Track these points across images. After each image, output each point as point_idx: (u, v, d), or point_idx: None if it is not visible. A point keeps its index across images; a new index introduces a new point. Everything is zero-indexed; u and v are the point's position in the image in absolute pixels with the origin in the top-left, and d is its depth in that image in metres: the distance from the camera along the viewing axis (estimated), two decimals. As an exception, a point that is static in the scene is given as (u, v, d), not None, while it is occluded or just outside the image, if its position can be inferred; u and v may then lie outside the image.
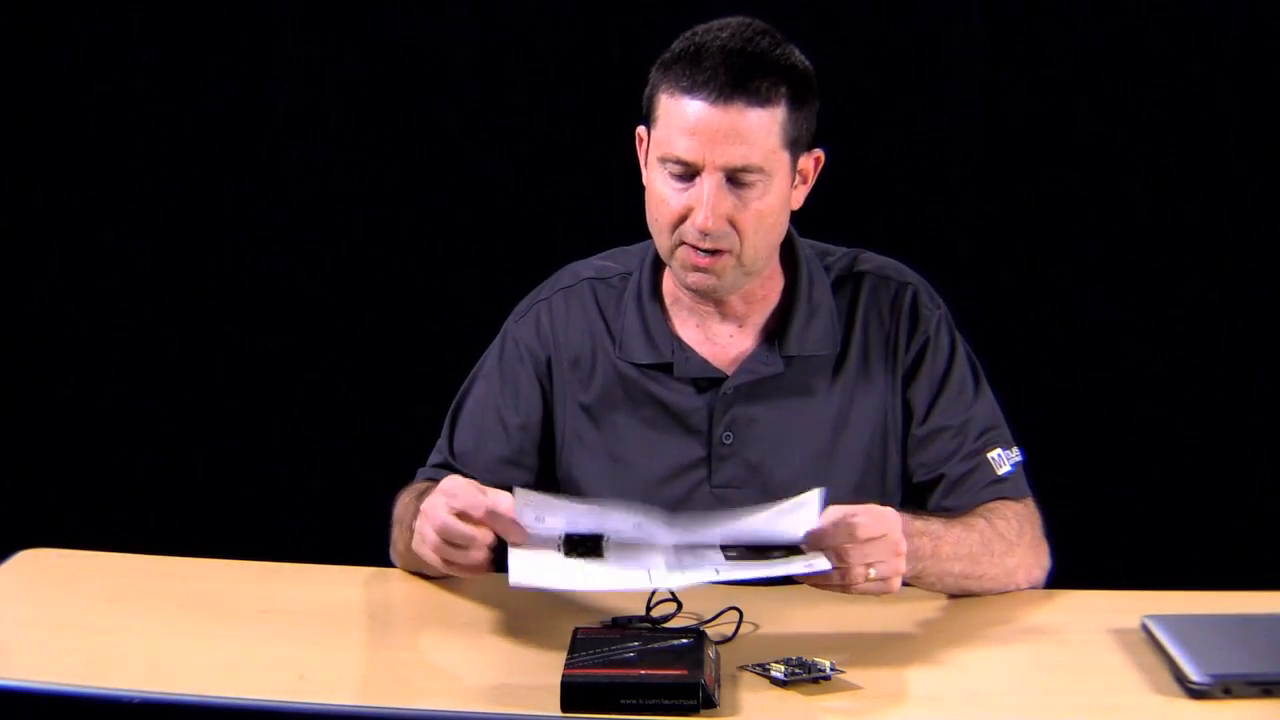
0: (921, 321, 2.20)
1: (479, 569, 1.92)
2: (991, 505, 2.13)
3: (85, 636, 1.91)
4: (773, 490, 2.05)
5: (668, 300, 2.21)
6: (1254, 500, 3.15)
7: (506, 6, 3.16)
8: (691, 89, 2.03)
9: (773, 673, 1.79)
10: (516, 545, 1.86)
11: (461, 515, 1.89)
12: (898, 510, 1.93)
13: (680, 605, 1.96)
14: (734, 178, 2.05)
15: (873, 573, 1.87)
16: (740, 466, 2.15)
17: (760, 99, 2.03)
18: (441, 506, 1.91)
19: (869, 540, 1.87)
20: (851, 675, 1.80)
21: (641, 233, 2.19)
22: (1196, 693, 1.74)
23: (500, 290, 2.35)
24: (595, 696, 1.71)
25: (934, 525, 2.04)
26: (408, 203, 3.21)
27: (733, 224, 2.06)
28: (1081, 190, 3.13)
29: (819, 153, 2.14)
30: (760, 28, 2.08)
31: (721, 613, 1.94)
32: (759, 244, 2.09)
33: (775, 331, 2.18)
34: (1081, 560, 2.22)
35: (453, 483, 1.93)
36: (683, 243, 2.08)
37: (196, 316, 3.26)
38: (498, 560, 1.96)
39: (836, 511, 1.87)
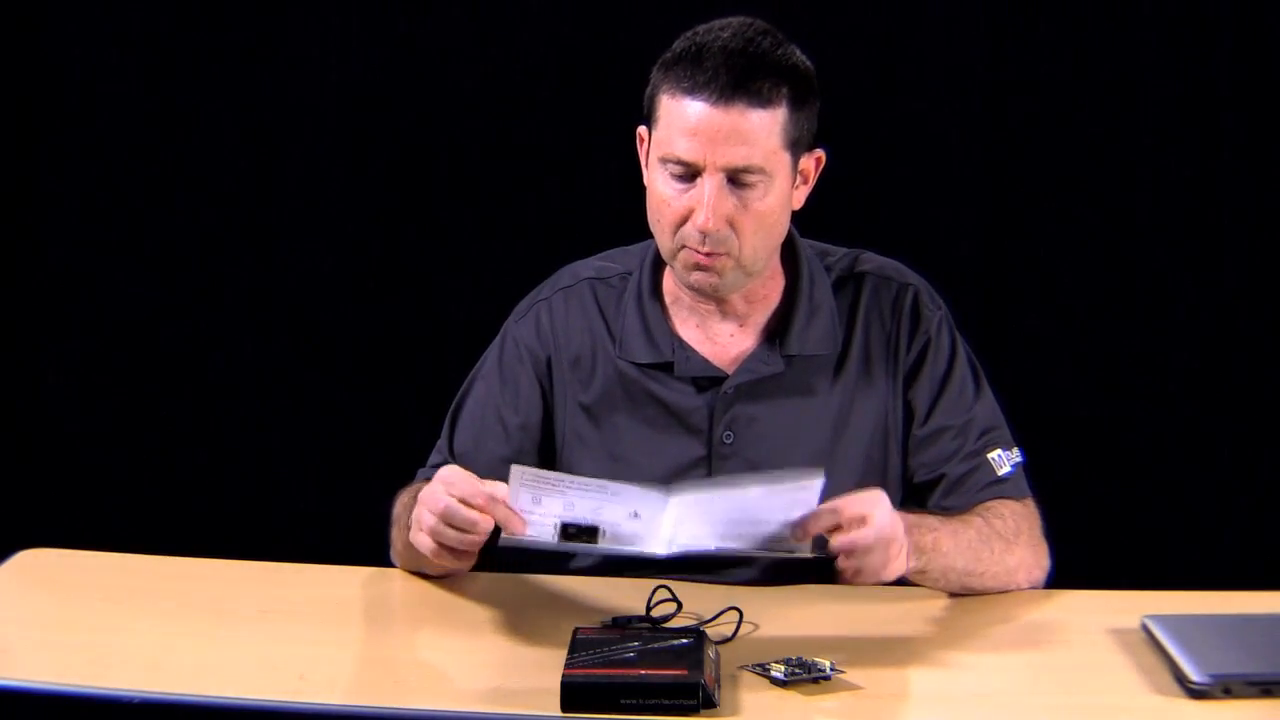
0: (923, 322, 2.20)
1: (472, 557, 1.93)
2: (989, 505, 2.13)
3: (85, 636, 1.91)
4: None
5: (668, 300, 2.21)
6: (1254, 500, 3.15)
7: (506, 6, 3.16)
8: (693, 90, 2.03)
9: (773, 673, 1.79)
10: (514, 535, 1.87)
11: (462, 502, 1.90)
12: (897, 510, 1.93)
13: (680, 605, 1.96)
14: (735, 178, 2.05)
15: (869, 559, 1.88)
16: (741, 466, 2.14)
17: (762, 100, 2.03)
18: (441, 493, 1.91)
19: (856, 522, 1.88)
20: (851, 675, 1.80)
21: (641, 233, 2.19)
22: (1196, 693, 1.74)
23: (500, 290, 2.35)
24: (595, 696, 1.71)
25: (931, 520, 2.05)
26: (407, 203, 3.21)
27: (733, 225, 2.06)
28: (1082, 191, 3.13)
29: (820, 153, 2.14)
30: (761, 28, 2.08)
31: (721, 613, 1.94)
32: (759, 244, 2.09)
33: (776, 331, 2.18)
34: (1081, 560, 2.22)
35: (451, 471, 1.94)
36: (684, 244, 2.08)
37: (196, 316, 3.26)
38: (485, 557, 1.97)
39: (825, 512, 1.88)
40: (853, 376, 2.18)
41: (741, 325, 2.19)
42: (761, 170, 2.05)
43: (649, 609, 1.95)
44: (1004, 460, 2.17)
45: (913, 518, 2.00)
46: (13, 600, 2.06)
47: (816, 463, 2.12)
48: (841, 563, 1.89)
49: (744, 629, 1.92)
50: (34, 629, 1.96)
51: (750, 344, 2.18)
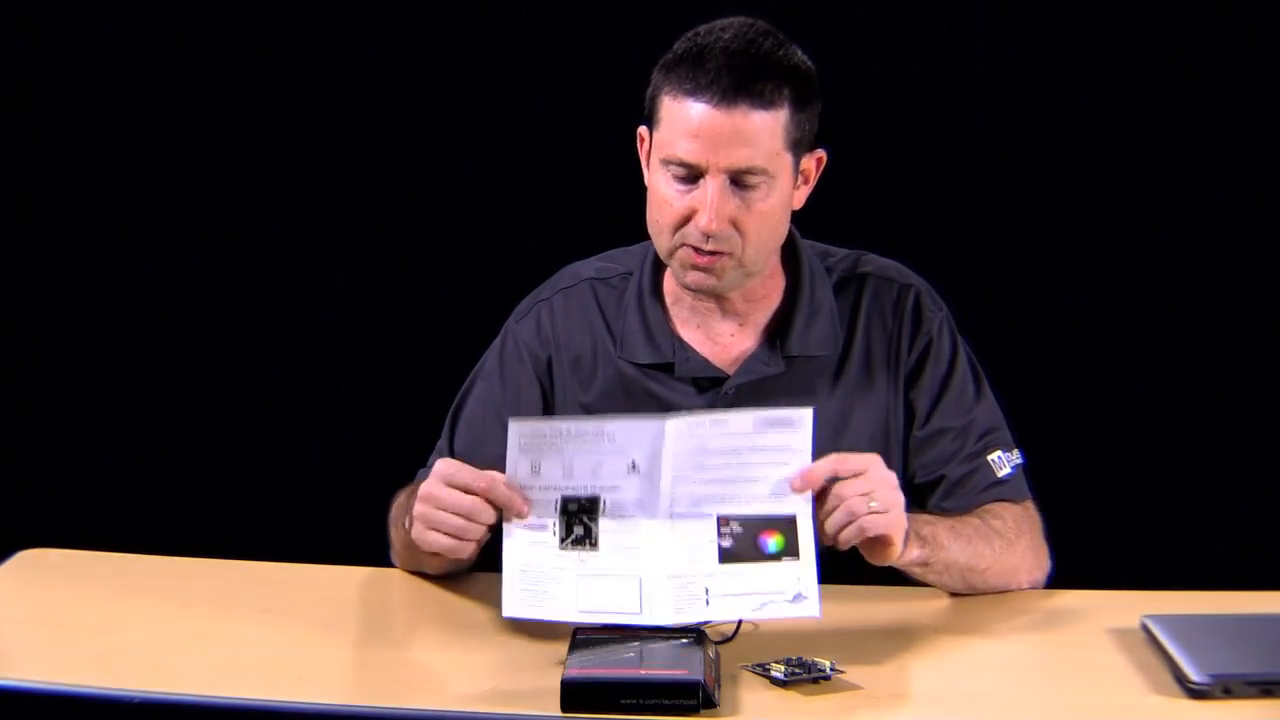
0: (924, 324, 2.20)
1: (471, 550, 1.92)
2: (988, 506, 2.14)
3: (85, 636, 1.91)
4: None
5: (669, 300, 2.21)
6: (1254, 500, 3.14)
7: (507, 6, 3.16)
8: (695, 91, 2.03)
9: (773, 673, 1.79)
10: (518, 518, 1.87)
11: (462, 490, 1.90)
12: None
13: (680, 605, 1.96)
14: (737, 179, 2.05)
15: (873, 504, 1.88)
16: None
17: (764, 101, 2.04)
18: (440, 484, 1.92)
19: (858, 475, 1.89)
20: (851, 675, 1.80)
21: (641, 233, 2.19)
22: (1196, 693, 1.74)
23: (500, 290, 2.35)
24: (595, 696, 1.71)
25: (929, 516, 2.06)
26: (408, 203, 3.21)
27: (736, 225, 2.06)
28: (1082, 192, 3.12)
29: (821, 153, 2.14)
30: (762, 28, 2.07)
31: (721, 615, 1.94)
32: (762, 245, 2.10)
33: (777, 332, 2.18)
34: (1081, 560, 2.22)
35: (447, 462, 1.94)
36: (684, 244, 2.08)
37: (197, 316, 3.25)
38: (485, 557, 1.97)
39: (823, 461, 1.89)
40: (854, 378, 2.18)
41: (742, 325, 2.19)
42: (764, 171, 2.05)
43: (649, 609, 1.94)
44: (1004, 462, 2.17)
45: (910, 516, 1.99)
46: (13, 600, 2.06)
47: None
48: (841, 525, 1.88)
49: (744, 629, 1.92)
50: (34, 629, 1.96)
51: (751, 344, 2.18)
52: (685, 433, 1.89)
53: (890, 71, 3.11)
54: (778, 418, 1.91)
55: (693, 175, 2.05)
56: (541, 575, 1.86)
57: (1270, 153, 3.08)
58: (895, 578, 2.04)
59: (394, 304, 3.23)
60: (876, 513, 1.88)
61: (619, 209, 2.30)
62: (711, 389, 2.16)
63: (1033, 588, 2.12)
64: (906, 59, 3.11)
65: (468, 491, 1.90)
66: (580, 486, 1.89)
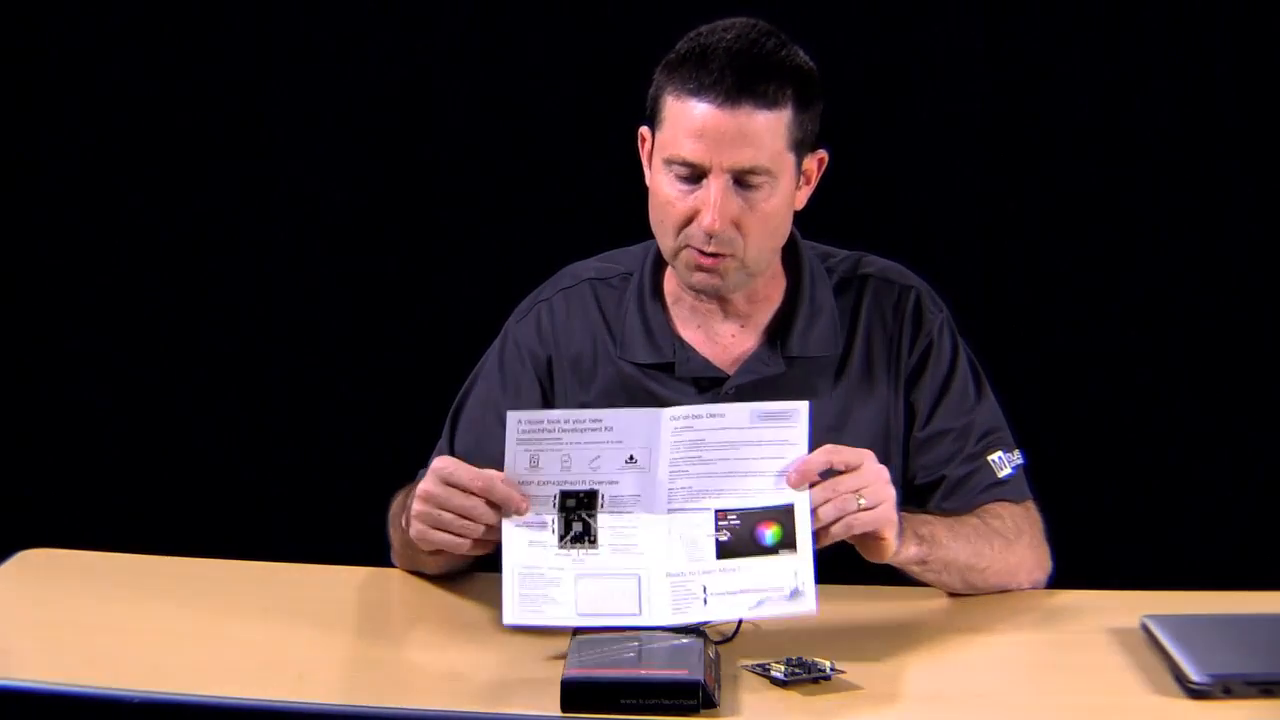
0: (924, 325, 2.20)
1: (469, 547, 1.92)
2: (988, 507, 2.14)
3: (85, 636, 1.91)
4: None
5: (669, 300, 2.21)
6: (1254, 500, 3.14)
7: (507, 6, 3.16)
8: (698, 91, 2.03)
9: (773, 673, 1.79)
10: (517, 515, 1.87)
11: (459, 488, 1.90)
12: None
13: (680, 605, 1.96)
14: (741, 180, 2.05)
15: (862, 501, 1.88)
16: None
17: (767, 101, 2.04)
18: (438, 482, 1.91)
19: (851, 469, 1.89)
20: (851, 675, 1.80)
21: (642, 233, 2.18)
22: (1196, 693, 1.74)
23: (500, 290, 2.35)
24: (595, 696, 1.71)
25: (927, 515, 2.07)
26: (408, 202, 3.21)
27: (739, 226, 2.06)
28: (1082, 193, 3.12)
29: (822, 153, 2.14)
30: (765, 29, 2.08)
31: (721, 615, 1.94)
32: (764, 245, 2.10)
33: (777, 332, 2.18)
34: (1081, 560, 2.22)
35: (445, 460, 1.94)
36: (687, 244, 2.08)
37: (197, 316, 3.25)
38: (484, 557, 1.96)
39: (818, 452, 1.90)
40: (854, 379, 2.18)
41: (743, 326, 2.19)
42: (767, 171, 2.05)
43: (649, 609, 1.94)
44: (1004, 462, 2.17)
45: (908, 514, 2.00)
46: (13, 600, 2.06)
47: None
48: (830, 519, 1.88)
49: (744, 629, 1.92)
50: (34, 629, 1.96)
51: (751, 345, 2.19)
52: (682, 425, 1.90)
53: (890, 72, 3.11)
54: (774, 411, 1.92)
55: (696, 175, 2.05)
56: (541, 578, 1.87)
57: (1271, 153, 3.08)
58: (895, 577, 2.04)
59: (394, 304, 3.23)
60: (866, 509, 1.88)
61: (619, 209, 2.30)
62: (712, 389, 2.17)
63: (1033, 588, 2.12)
64: (906, 59, 3.11)
65: (465, 490, 1.90)
66: (578, 480, 1.90)
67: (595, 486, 1.90)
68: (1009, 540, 2.09)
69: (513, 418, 1.91)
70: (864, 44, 3.09)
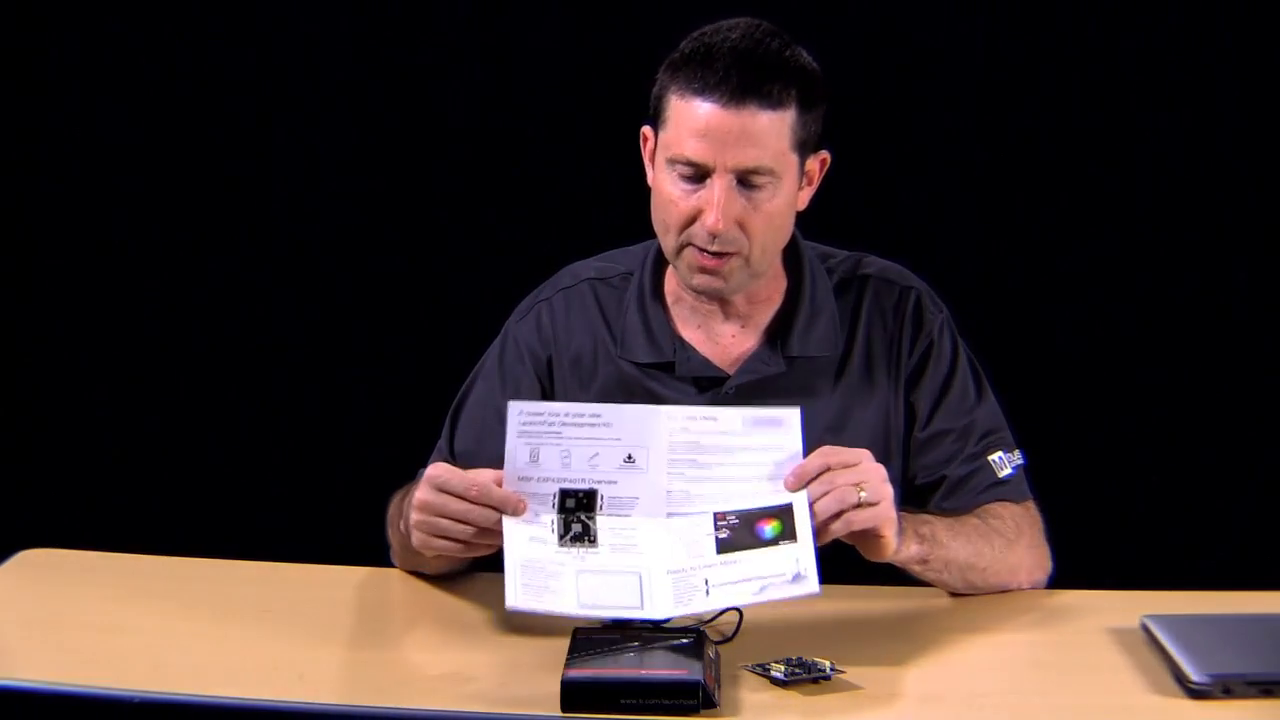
0: (925, 325, 2.20)
1: (477, 550, 1.92)
2: (988, 507, 2.14)
3: (85, 636, 1.91)
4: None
5: (669, 300, 2.21)
6: (1254, 500, 3.14)
7: (508, 6, 3.16)
8: (703, 90, 2.03)
9: (773, 673, 1.79)
10: (515, 515, 1.87)
11: (454, 495, 1.90)
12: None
13: (680, 605, 1.96)
14: (744, 180, 2.05)
15: (863, 495, 1.87)
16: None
17: (772, 102, 2.04)
18: (433, 491, 1.91)
19: (849, 466, 1.89)
20: (851, 675, 1.80)
21: (642, 233, 2.19)
22: (1196, 693, 1.74)
23: (500, 290, 2.35)
24: (595, 696, 1.71)
25: (927, 515, 2.07)
26: (408, 202, 3.21)
27: (742, 226, 2.07)
28: (1082, 193, 3.12)
29: (825, 154, 2.14)
30: (769, 29, 2.08)
31: (721, 612, 1.94)
32: (767, 245, 2.10)
33: (778, 332, 2.19)
34: (1081, 560, 2.22)
35: (438, 467, 1.94)
36: (689, 244, 2.08)
37: (197, 316, 3.25)
38: (484, 558, 1.96)
39: (814, 454, 1.90)
40: (854, 379, 2.18)
41: (743, 326, 2.19)
42: (771, 172, 2.05)
43: (649, 609, 1.94)
44: (1005, 462, 2.17)
45: (908, 514, 2.00)
46: (13, 600, 2.06)
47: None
48: (830, 512, 1.88)
49: (744, 629, 1.92)
50: (34, 629, 1.96)
51: (752, 345, 2.19)
52: (678, 426, 1.92)
53: (890, 73, 3.11)
54: (767, 417, 1.93)
55: (699, 175, 2.06)
56: (542, 571, 1.87)
57: (1271, 153, 3.08)
58: (895, 577, 2.04)
59: (394, 304, 3.23)
60: (866, 504, 1.88)
61: (619, 209, 2.30)
62: (712, 389, 2.17)
63: (1033, 588, 2.12)
64: (906, 59, 3.11)
65: (460, 496, 1.90)
66: (578, 479, 1.90)
67: (594, 486, 1.90)
68: (1009, 540, 2.10)
69: (514, 408, 1.91)
70: (864, 44, 3.09)
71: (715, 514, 1.90)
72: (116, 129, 3.23)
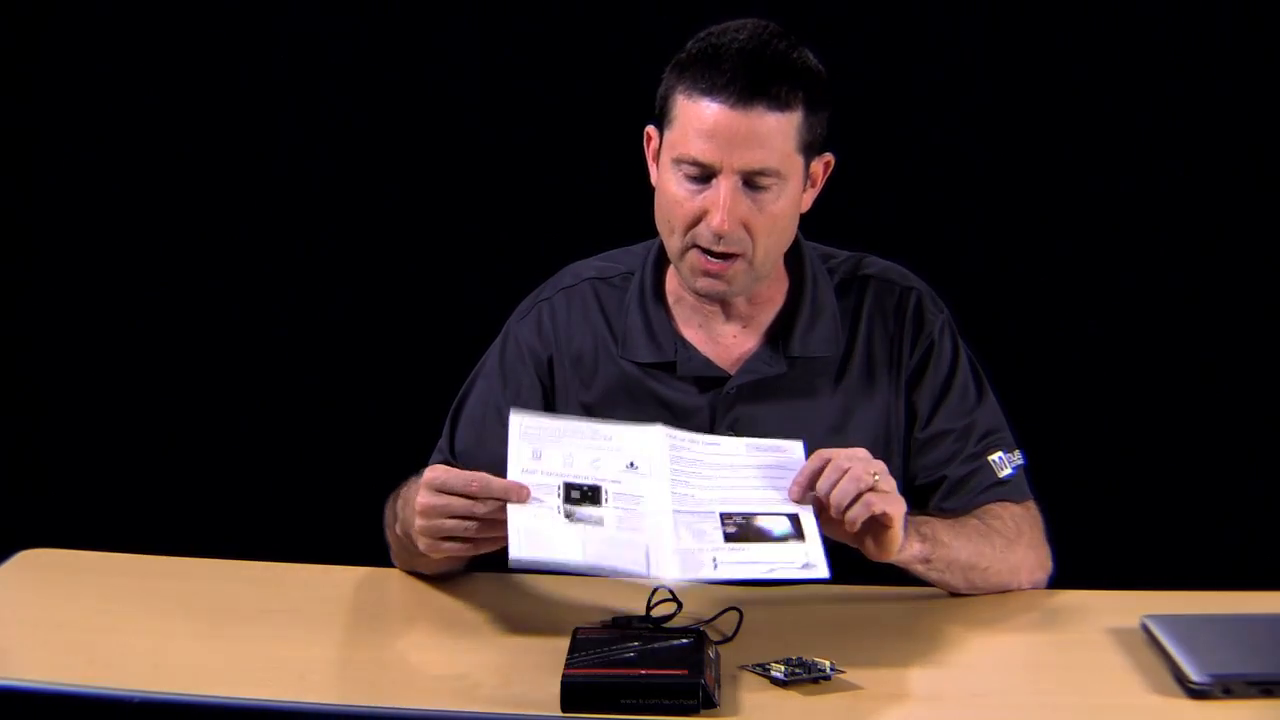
0: (925, 326, 2.20)
1: (480, 546, 1.91)
2: (988, 507, 2.14)
3: (85, 636, 1.91)
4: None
5: (671, 300, 2.21)
6: (1254, 500, 3.14)
7: (509, 6, 3.15)
8: (710, 91, 2.03)
9: (773, 673, 1.79)
10: (518, 503, 1.86)
11: (454, 494, 1.89)
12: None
13: (680, 605, 1.96)
14: (750, 181, 2.05)
15: (876, 476, 1.88)
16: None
17: (779, 103, 2.04)
18: (434, 493, 1.90)
19: (853, 462, 1.89)
20: (851, 675, 1.80)
21: (643, 233, 2.18)
22: (1196, 693, 1.74)
23: (500, 290, 2.35)
24: (595, 696, 1.71)
25: (927, 515, 2.07)
26: (408, 202, 3.21)
27: (747, 227, 2.07)
28: (1082, 193, 3.12)
29: (829, 157, 2.14)
30: (776, 30, 2.07)
31: (721, 613, 1.94)
32: (771, 247, 2.10)
33: (779, 332, 2.19)
34: (1081, 560, 2.22)
35: (435, 469, 1.93)
36: (694, 245, 2.08)
37: (196, 316, 3.25)
38: (483, 557, 1.96)
39: (813, 458, 1.92)
40: (855, 379, 2.18)
41: (745, 326, 2.19)
42: (776, 173, 2.05)
43: (649, 609, 1.94)
44: (1005, 463, 2.17)
45: (909, 515, 1.99)
46: (13, 600, 2.06)
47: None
48: (850, 495, 1.88)
49: (744, 629, 1.92)
50: (34, 629, 1.96)
51: (753, 345, 2.19)
52: (681, 446, 1.94)
53: (891, 74, 3.11)
54: (769, 445, 1.96)
55: (705, 175, 2.05)
56: (549, 540, 1.85)
57: (1271, 152, 3.08)
58: (896, 577, 2.04)
59: (394, 303, 3.23)
60: (880, 490, 1.88)
61: (620, 209, 2.30)
62: (713, 389, 2.17)
63: (1034, 588, 2.12)
64: (907, 59, 3.11)
65: (460, 495, 1.89)
66: (582, 476, 1.90)
67: (599, 483, 1.90)
68: (1010, 540, 2.10)
69: (515, 417, 1.91)
70: (864, 45, 3.09)
71: (721, 514, 1.90)
72: (117, 129, 3.22)
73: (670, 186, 2.08)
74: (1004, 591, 2.09)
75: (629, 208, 2.23)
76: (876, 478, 1.88)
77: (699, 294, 2.13)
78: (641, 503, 1.90)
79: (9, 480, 3.28)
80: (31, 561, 2.16)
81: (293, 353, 3.25)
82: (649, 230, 2.16)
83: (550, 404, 2.21)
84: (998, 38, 3.09)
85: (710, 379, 2.17)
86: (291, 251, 3.23)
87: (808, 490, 1.90)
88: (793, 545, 1.87)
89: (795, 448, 1.95)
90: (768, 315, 2.20)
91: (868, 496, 1.87)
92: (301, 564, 2.18)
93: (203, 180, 3.23)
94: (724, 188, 2.04)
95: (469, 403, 2.24)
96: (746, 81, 2.02)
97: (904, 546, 1.95)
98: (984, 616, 2.02)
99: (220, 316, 3.26)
